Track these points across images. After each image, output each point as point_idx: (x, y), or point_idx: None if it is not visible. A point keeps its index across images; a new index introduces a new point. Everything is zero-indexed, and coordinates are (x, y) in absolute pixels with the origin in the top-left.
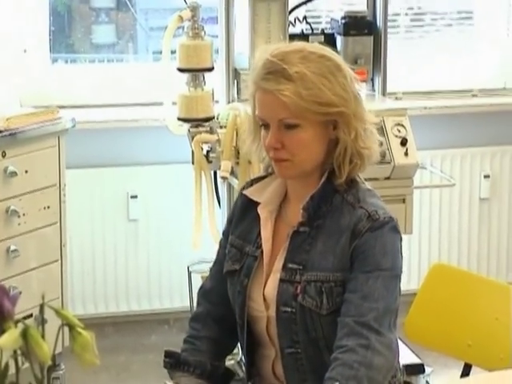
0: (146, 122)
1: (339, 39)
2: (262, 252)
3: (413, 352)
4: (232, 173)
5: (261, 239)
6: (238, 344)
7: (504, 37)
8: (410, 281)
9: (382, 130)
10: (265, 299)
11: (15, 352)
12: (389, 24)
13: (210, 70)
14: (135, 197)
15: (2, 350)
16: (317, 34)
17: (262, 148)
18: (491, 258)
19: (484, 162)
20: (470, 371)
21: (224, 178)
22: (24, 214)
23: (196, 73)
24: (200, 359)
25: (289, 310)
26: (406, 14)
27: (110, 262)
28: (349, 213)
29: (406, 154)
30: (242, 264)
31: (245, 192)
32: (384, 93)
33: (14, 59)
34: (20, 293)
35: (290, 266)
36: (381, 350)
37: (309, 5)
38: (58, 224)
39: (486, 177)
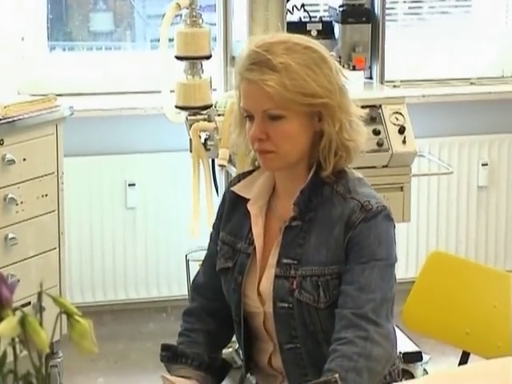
0: (143, 110)
1: (337, 27)
2: (254, 248)
3: (411, 340)
4: (230, 161)
5: (252, 235)
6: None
7: (502, 25)
8: (407, 269)
9: (379, 118)
10: (260, 295)
11: (13, 340)
12: (387, 12)
13: (208, 57)
14: (133, 185)
15: (0, 337)
16: (315, 22)
17: (248, 141)
18: (489, 246)
19: (482, 150)
20: (467, 359)
21: (222, 166)
22: (22, 202)
23: (194, 61)
24: (197, 351)
25: (286, 305)
26: (404, 2)
27: (108, 250)
28: (340, 204)
29: (404, 142)
30: (234, 261)
31: (233, 189)
32: (382, 81)
33: (11, 47)
34: (18, 281)
35: (285, 261)
36: (379, 340)
37: None
38: (56, 212)
39: (484, 165)
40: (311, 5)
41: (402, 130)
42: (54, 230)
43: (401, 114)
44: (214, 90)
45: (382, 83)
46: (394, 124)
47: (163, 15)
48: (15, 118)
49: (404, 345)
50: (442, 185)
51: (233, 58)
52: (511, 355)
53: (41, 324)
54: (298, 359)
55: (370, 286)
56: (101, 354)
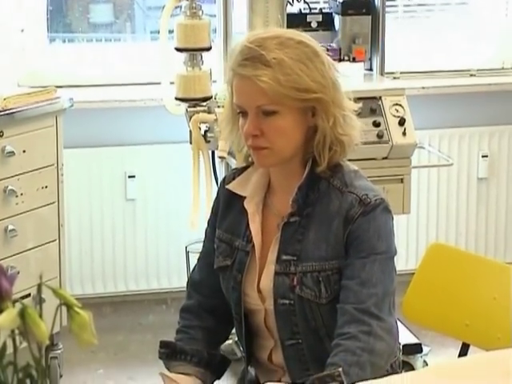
0: (143, 101)
1: (337, 19)
2: (253, 246)
3: (410, 332)
4: (230, 152)
5: (250, 232)
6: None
7: (502, 17)
8: (407, 261)
9: (379, 110)
10: (260, 292)
11: (13, 332)
12: (387, 3)
13: (208, 49)
14: (133, 176)
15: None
16: (315, 14)
17: (240, 137)
18: (489, 238)
19: (482, 141)
20: (467, 351)
21: (222, 158)
22: (22, 194)
23: (194, 52)
24: (196, 348)
25: (287, 302)
26: None
27: (108, 242)
28: (337, 198)
29: (404, 133)
30: (233, 259)
31: (228, 187)
32: (382, 72)
33: (11, 39)
34: (18, 272)
35: (284, 257)
36: (382, 335)
37: None
38: (56, 204)
39: (484, 156)
40: None
41: (402, 122)
42: (54, 221)
43: (401, 105)
44: (214, 81)
45: (382, 75)
46: (394, 116)
47: (163, 7)
48: (15, 110)
49: (404, 337)
50: (442, 177)
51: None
52: (511, 347)
53: (40, 316)
54: (300, 355)
55: (371, 281)
56: (101, 345)
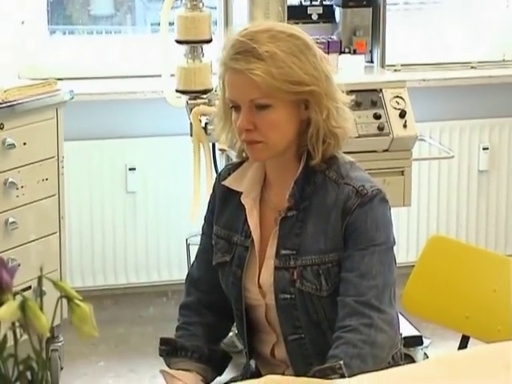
0: (144, 94)
1: (338, 11)
2: (252, 241)
3: (411, 324)
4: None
5: (248, 227)
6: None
7: (503, 9)
8: (408, 253)
9: (380, 102)
10: (260, 287)
11: (13, 324)
12: None
13: (209, 41)
14: (133, 169)
15: (0, 321)
16: (315, 6)
17: (233, 132)
18: (489, 231)
19: (483, 134)
20: (467, 343)
21: (222, 150)
22: (22, 186)
23: (194, 44)
24: (197, 344)
25: (288, 296)
26: None
27: (109, 235)
28: (334, 190)
29: (405, 126)
30: (232, 255)
31: (224, 183)
32: (383, 65)
33: (11, 31)
34: (18, 265)
35: (283, 252)
36: (383, 327)
37: None
38: (57, 196)
39: (485, 149)
40: None
41: (402, 114)
42: (55, 214)
43: (401, 98)
44: (215, 74)
45: (382, 67)
46: (395, 108)
47: None
48: (15, 102)
49: (404, 329)
50: (442, 169)
51: None
52: (511, 339)
53: (41, 308)
54: (303, 349)
55: (370, 273)
56: (101, 338)
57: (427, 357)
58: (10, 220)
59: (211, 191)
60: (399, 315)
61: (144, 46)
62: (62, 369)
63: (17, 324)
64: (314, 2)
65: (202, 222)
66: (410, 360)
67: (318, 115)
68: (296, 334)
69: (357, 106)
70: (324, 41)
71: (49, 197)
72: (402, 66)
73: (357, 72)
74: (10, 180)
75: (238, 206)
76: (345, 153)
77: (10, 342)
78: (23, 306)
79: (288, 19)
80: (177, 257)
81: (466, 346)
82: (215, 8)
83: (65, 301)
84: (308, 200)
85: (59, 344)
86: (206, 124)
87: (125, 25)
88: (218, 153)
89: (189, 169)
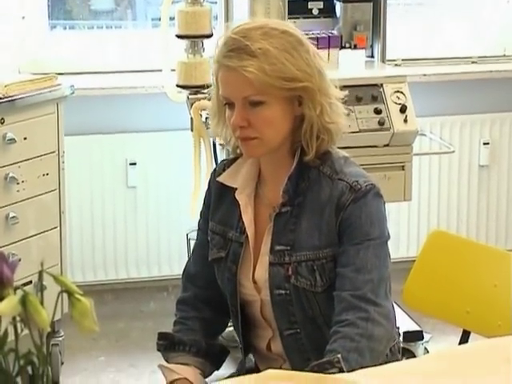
0: (144, 88)
1: (338, 5)
2: (246, 237)
3: (411, 319)
4: None
5: (243, 223)
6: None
7: (504, 3)
8: (408, 248)
9: (381, 97)
10: (255, 283)
11: (14, 319)
12: None
13: (209, 36)
14: (134, 164)
15: (1, 316)
16: (316, 0)
17: (227, 129)
18: (490, 225)
19: (483, 129)
20: (468, 338)
21: (223, 145)
22: (23, 181)
23: (195, 39)
24: (194, 338)
25: (283, 292)
26: None
27: (109, 229)
28: (328, 185)
29: (406, 120)
30: (227, 250)
31: (218, 179)
32: (383, 59)
33: (12, 26)
34: (19, 260)
35: (278, 248)
36: (380, 320)
37: None
38: (57, 191)
39: (486, 144)
40: None
41: (403, 109)
42: (55, 209)
43: (402, 92)
44: None
45: (383, 62)
46: (396, 103)
47: None
48: (16, 97)
49: (405, 324)
50: (443, 164)
51: None
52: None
53: (42, 303)
54: (299, 344)
55: (366, 267)
56: (102, 332)
57: (428, 352)
58: (11, 215)
59: (207, 187)
60: (400, 310)
61: (145, 40)
62: (62, 363)
63: (17, 319)
64: None
65: None
66: (411, 355)
67: (311, 111)
68: (291, 329)
69: (357, 100)
70: (324, 36)
71: (49, 192)
72: (402, 60)
73: (357, 67)
74: (11, 175)
75: (232, 201)
76: (345, 148)
77: (11, 337)
78: (24, 301)
79: (289, 14)
80: (177, 251)
81: (466, 341)
82: (216, 3)
83: (65, 295)
84: (302, 196)
85: (60, 339)
86: (206, 119)
87: (125, 20)
88: (218, 147)
89: (189, 164)
